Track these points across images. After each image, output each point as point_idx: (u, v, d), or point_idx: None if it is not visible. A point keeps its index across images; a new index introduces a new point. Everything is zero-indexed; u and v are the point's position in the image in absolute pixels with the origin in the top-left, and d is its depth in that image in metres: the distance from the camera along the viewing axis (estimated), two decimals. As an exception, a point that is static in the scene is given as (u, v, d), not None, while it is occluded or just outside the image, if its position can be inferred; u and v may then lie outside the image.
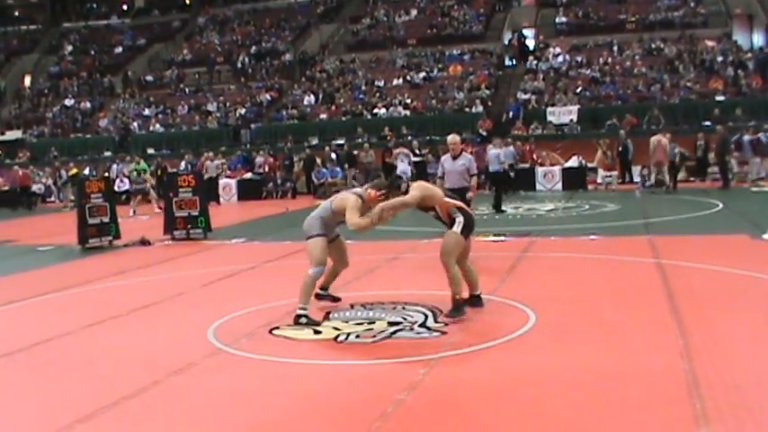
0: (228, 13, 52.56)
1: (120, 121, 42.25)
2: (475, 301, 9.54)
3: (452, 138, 14.54)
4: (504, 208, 21.53)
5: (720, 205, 20.70)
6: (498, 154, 22.78)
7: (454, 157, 14.16)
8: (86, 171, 33.56)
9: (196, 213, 18.30)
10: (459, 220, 9.23)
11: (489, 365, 7.42)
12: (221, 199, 30.53)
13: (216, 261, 14.99)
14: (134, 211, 26.30)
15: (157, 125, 40.79)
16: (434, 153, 30.82)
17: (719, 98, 33.16)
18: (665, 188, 25.96)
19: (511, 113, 34.40)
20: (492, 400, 6.47)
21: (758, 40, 40.57)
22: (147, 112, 42.64)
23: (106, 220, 17.80)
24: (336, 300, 10.05)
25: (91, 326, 9.73)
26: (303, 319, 9.06)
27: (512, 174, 25.98)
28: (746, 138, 27.43)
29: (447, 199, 9.41)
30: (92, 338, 9.20)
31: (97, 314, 10.32)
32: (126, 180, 32.05)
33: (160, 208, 26.44)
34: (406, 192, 9.23)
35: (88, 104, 45.15)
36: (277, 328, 9.02)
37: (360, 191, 9.58)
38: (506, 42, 42.96)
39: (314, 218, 9.52)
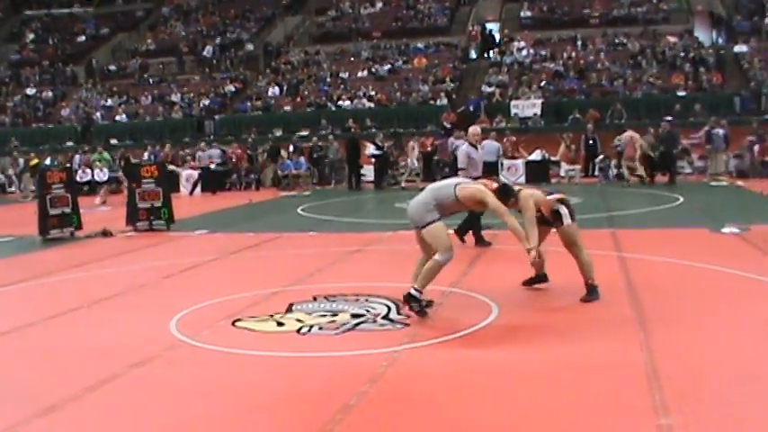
0: (193, 3, 52.18)
1: (83, 110, 41.85)
2: (542, 277, 10.16)
3: (476, 128, 14.94)
4: None
5: (681, 199, 20.89)
6: (498, 147, 22.84)
7: (477, 148, 14.31)
8: (48, 161, 33.20)
9: (159, 204, 18.20)
10: (564, 211, 9.62)
11: (452, 357, 7.45)
12: (183, 189, 30.36)
13: (179, 252, 14.94)
14: (104, 202, 26.14)
15: (122, 115, 40.44)
16: (399, 145, 30.86)
17: (681, 93, 33.44)
18: (626, 182, 26.32)
19: (471, 107, 34.33)
20: (454, 392, 6.50)
21: (718, 36, 40.91)
22: (110, 102, 42.25)
23: (68, 210, 17.63)
24: (431, 303, 9.25)
25: (51, 318, 9.67)
26: (415, 305, 8.69)
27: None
28: (720, 131, 27.63)
29: (548, 197, 9.73)
30: (52, 330, 9.15)
31: (58, 306, 10.26)
32: (88, 171, 31.82)
33: (105, 203, 26.37)
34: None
35: (50, 94, 44.63)
36: (240, 320, 9.00)
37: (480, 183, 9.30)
38: (471, 33, 43.01)
39: (427, 204, 8.89)
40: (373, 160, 29.12)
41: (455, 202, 8.93)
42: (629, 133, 26.93)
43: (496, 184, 9.30)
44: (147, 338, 8.41)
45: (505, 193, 9.18)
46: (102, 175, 31.66)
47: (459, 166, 14.16)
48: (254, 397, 6.52)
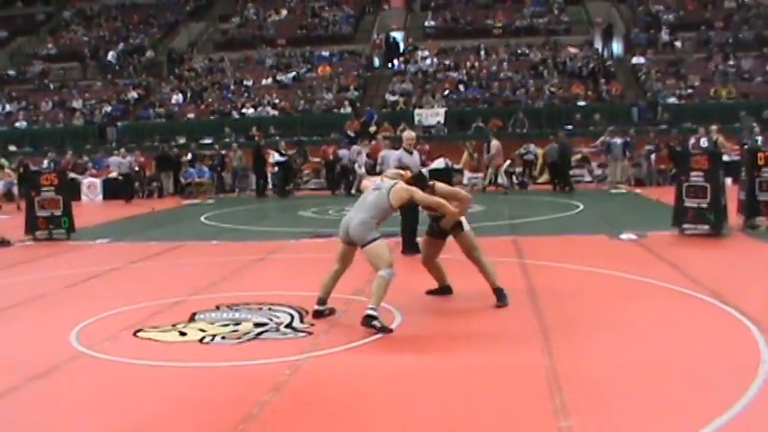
0: (95, 8, 51.35)
1: (-20, 116, 40.89)
2: (446, 290, 10.30)
3: (411, 133, 14.78)
4: None
5: (581, 207, 21.30)
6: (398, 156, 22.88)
7: (411, 153, 14.17)
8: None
9: (59, 213, 17.87)
10: (463, 218, 9.88)
11: (355, 365, 7.49)
12: (85, 198, 29.91)
13: (80, 262, 14.68)
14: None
15: (21, 121, 39.50)
16: (302, 153, 30.81)
17: (581, 103, 34.10)
18: (505, 190, 27.66)
19: (365, 118, 34.32)
20: (358, 400, 6.54)
21: (617, 47, 41.84)
22: (8, 107, 41.31)
23: (-37, 219, 17.25)
24: (333, 312, 9.35)
25: (-54, 329, 9.45)
26: (377, 323, 8.42)
27: None
28: (618, 140, 28.29)
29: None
30: (-53, 342, 8.93)
31: (-47, 317, 10.03)
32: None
33: (19, 208, 25.79)
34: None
35: (-54, 98, 43.53)
36: (142, 330, 8.90)
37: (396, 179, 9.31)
38: (375, 41, 43.16)
39: (368, 223, 8.79)
40: (276, 168, 29.01)
41: (390, 208, 9.00)
42: (495, 142, 28.21)
43: (410, 173, 9.68)
44: (47, 350, 8.26)
45: (421, 182, 9.54)
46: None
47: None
48: (156, 408, 6.46)
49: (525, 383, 6.75)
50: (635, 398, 6.32)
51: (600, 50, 40.28)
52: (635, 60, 37.86)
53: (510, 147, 29.31)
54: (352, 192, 27.11)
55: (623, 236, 15.11)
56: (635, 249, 13.92)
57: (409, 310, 9.35)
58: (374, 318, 8.44)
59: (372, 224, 8.81)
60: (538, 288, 10.58)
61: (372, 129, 32.20)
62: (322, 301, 9.22)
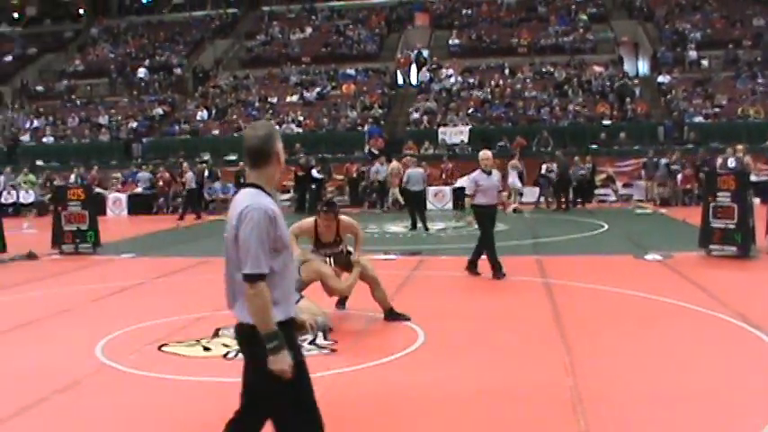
0: (122, 25, 51.76)
1: (9, 131, 41.17)
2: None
3: (486, 153, 13.98)
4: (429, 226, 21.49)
5: (606, 226, 21.21)
6: (422, 174, 22.68)
7: (489, 174, 13.57)
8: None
9: (85, 227, 17.99)
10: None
11: (377, 383, 7.48)
12: (110, 212, 30.08)
13: (105, 276, 14.76)
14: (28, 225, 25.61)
15: (49, 137, 39.78)
16: (326, 170, 30.86)
17: (606, 122, 33.97)
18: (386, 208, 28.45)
19: (367, 136, 34.33)
20: (379, 418, 6.54)
21: (643, 67, 41.71)
22: (36, 123, 41.58)
23: (-8, 233, 17.37)
24: None
25: (-27, 342, 9.50)
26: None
27: None
28: (663, 161, 28.36)
29: None
30: (-26, 355, 8.98)
31: (-20, 330, 10.08)
32: (14, 192, 31.36)
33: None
34: None
35: (-25, 114, 43.89)
36: (166, 344, 8.94)
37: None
38: (399, 60, 43.17)
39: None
40: (313, 186, 29.15)
41: None
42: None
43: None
44: (73, 363, 8.30)
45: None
46: (27, 196, 31.28)
47: (467, 193, 13.73)
48: (179, 423, 6.48)
49: (549, 404, 6.72)
50: (660, 422, 6.28)
51: (636, 69, 40.12)
52: (661, 79, 37.66)
53: (533, 166, 29.26)
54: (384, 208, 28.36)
55: (648, 256, 15.03)
56: (661, 270, 13.85)
57: (432, 329, 9.34)
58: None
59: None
60: (562, 308, 10.54)
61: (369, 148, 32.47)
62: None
